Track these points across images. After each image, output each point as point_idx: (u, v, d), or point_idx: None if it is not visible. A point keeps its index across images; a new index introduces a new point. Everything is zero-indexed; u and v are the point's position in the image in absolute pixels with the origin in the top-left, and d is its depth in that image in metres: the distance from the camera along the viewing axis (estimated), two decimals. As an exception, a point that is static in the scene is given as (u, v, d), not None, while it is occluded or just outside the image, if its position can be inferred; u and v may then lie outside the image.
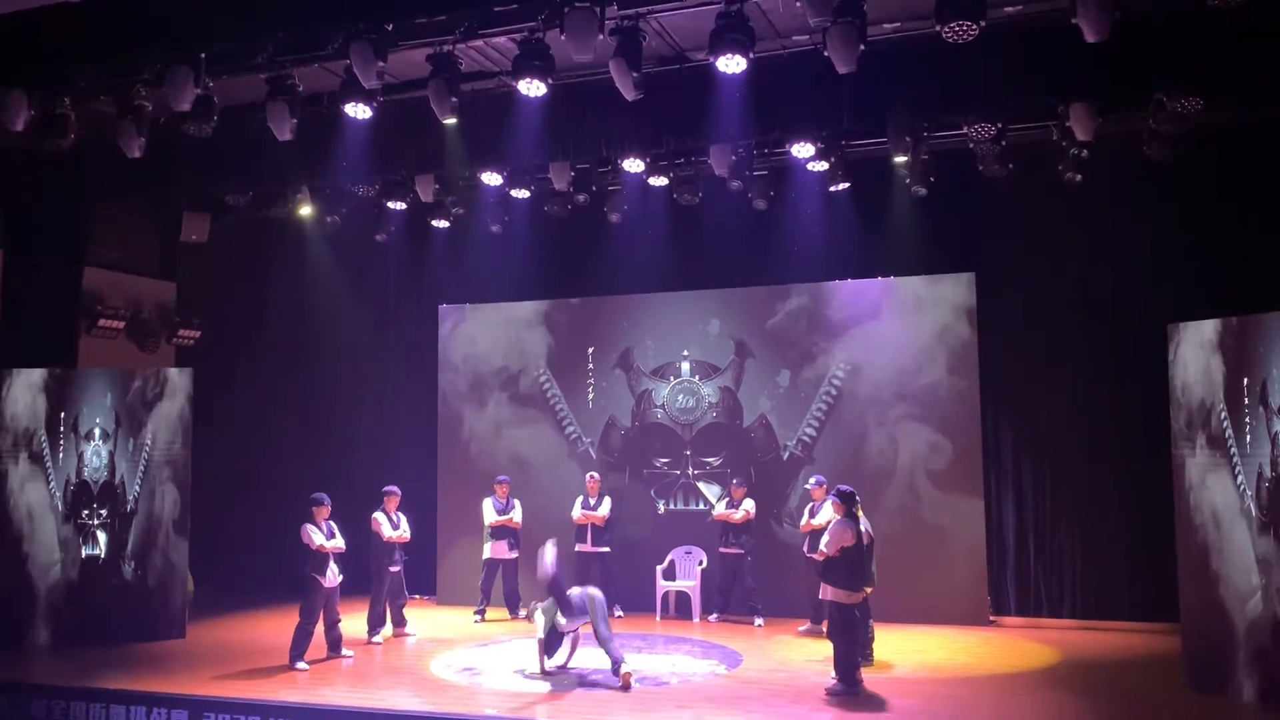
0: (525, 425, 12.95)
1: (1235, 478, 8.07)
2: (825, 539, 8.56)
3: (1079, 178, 10.29)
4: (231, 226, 13.41)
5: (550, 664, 9.08)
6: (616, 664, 8.61)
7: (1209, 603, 8.22)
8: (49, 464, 10.83)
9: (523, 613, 11.74)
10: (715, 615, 11.50)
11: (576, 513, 11.75)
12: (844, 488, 8.67)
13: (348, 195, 12.04)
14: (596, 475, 11.91)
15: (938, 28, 7.32)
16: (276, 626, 10.70)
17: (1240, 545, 8.03)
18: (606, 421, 12.66)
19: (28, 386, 10.83)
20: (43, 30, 8.51)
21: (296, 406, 14.16)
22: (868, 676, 8.53)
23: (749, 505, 11.33)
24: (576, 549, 11.72)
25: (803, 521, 10.75)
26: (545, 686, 8.66)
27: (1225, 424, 8.16)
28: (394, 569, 10.62)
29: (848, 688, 8.21)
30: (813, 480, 10.77)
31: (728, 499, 11.54)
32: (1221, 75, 8.38)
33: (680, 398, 12.46)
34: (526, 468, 12.77)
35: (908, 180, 10.78)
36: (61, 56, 8.61)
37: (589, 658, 9.52)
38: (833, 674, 8.36)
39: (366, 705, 7.89)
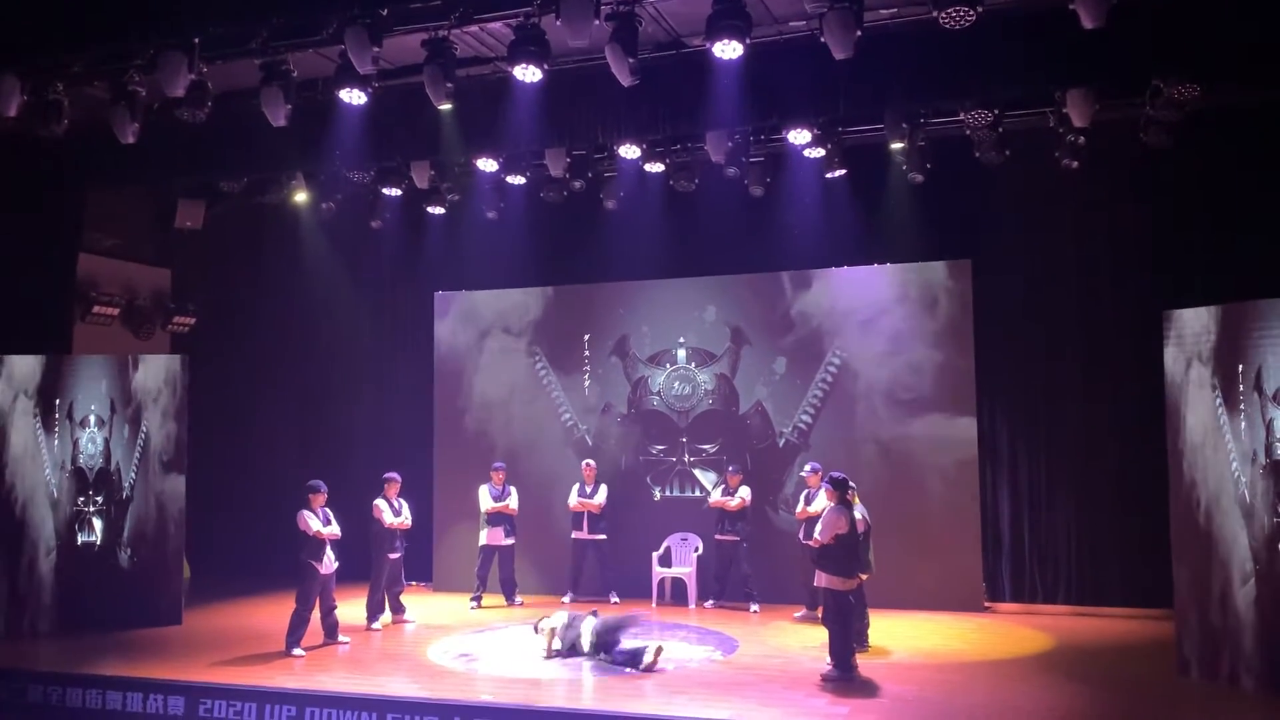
0: (521, 412, 12.95)
1: (1230, 463, 8.09)
2: (819, 527, 8.58)
3: (1076, 164, 10.28)
4: (226, 213, 13.37)
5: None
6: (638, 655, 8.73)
7: (1203, 589, 8.25)
8: (44, 451, 10.81)
9: (520, 598, 11.78)
10: (711, 602, 11.53)
11: (573, 500, 11.76)
12: (836, 475, 8.69)
13: (343, 181, 12.00)
14: (593, 462, 11.92)
15: (935, 13, 7.30)
16: (273, 613, 10.71)
17: (1234, 532, 8.05)
18: (603, 408, 12.66)
19: (22, 372, 10.80)
20: (35, 15, 8.46)
21: (292, 393, 14.16)
22: (863, 662, 8.56)
23: (745, 492, 11.34)
24: (573, 536, 11.75)
25: (798, 508, 10.76)
26: (541, 673, 8.68)
27: (1220, 410, 8.17)
28: (394, 556, 10.62)
29: (843, 673, 8.24)
30: (808, 467, 10.79)
31: (724, 486, 11.55)
32: (1219, 61, 8.35)
33: (676, 385, 12.45)
34: (522, 454, 12.76)
35: (904, 167, 10.77)
36: (54, 42, 8.55)
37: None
38: (828, 660, 8.39)
39: (363, 691, 7.90)
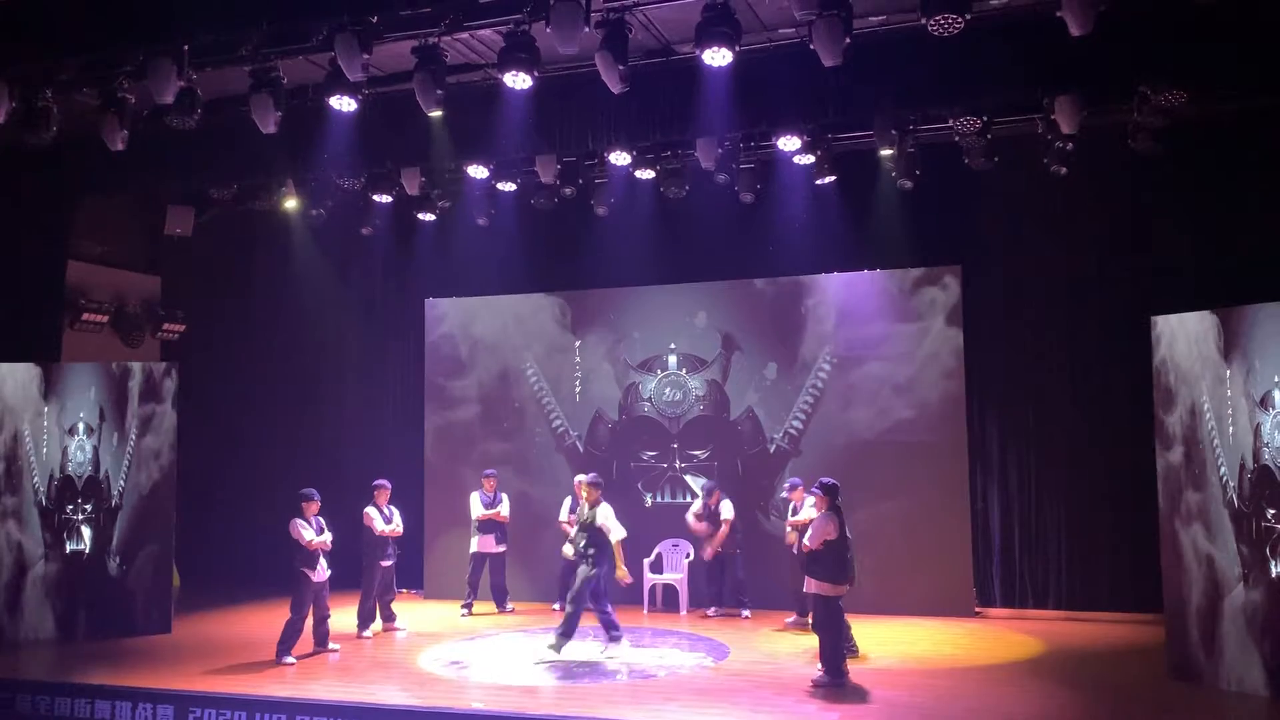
0: (512, 418, 12.94)
1: (1218, 469, 8.12)
2: (809, 533, 8.59)
3: (1064, 170, 10.32)
4: (216, 220, 13.34)
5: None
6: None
7: (1192, 592, 8.28)
8: (33, 459, 10.77)
9: (511, 605, 11.75)
10: (714, 610, 11.34)
11: (564, 515, 11.56)
12: (826, 480, 8.68)
13: (333, 188, 11.98)
14: (584, 478, 11.50)
15: (923, 20, 7.33)
16: (262, 621, 10.67)
17: (1223, 536, 8.08)
18: (593, 415, 12.65)
19: (15, 380, 10.76)
20: (24, 21, 8.44)
21: (282, 400, 14.12)
22: (854, 668, 8.58)
23: (727, 511, 11.16)
24: (564, 552, 11.56)
25: (788, 518, 10.71)
26: (532, 680, 8.67)
27: (1208, 415, 8.21)
28: (386, 564, 10.58)
29: (833, 679, 8.25)
30: (788, 485, 10.72)
31: (704, 507, 11.30)
32: (1205, 69, 8.40)
33: (667, 391, 12.46)
34: (513, 461, 12.75)
35: (894, 173, 10.80)
36: (43, 49, 8.54)
37: (579, 650, 9.54)
38: (819, 666, 8.39)
39: (354, 699, 7.88)
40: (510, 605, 11.82)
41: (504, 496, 11.78)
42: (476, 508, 11.68)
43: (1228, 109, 9.99)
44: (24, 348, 11.17)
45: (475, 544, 11.71)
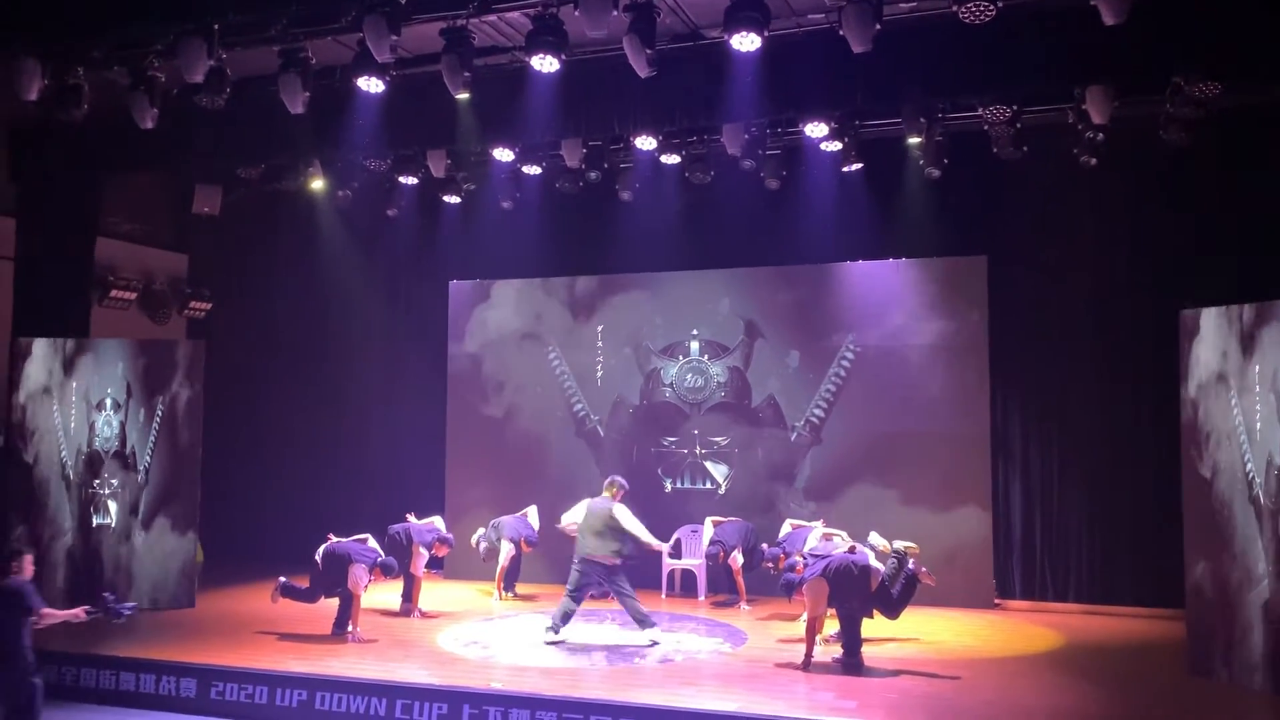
0: (534, 402, 12.97)
1: (1244, 464, 8.05)
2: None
3: (1094, 161, 10.22)
4: (243, 199, 13.40)
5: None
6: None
7: (1214, 589, 8.22)
8: (60, 433, 10.89)
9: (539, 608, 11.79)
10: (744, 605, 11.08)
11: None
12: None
13: (359, 169, 12.01)
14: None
15: (954, 8, 7.27)
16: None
17: (1248, 532, 8.01)
18: (615, 399, 12.67)
19: (43, 356, 10.88)
20: (56, -1, 8.52)
21: (306, 378, 14.20)
22: (871, 656, 8.60)
23: (737, 561, 11.00)
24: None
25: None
26: (552, 661, 8.72)
27: (1236, 411, 8.13)
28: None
29: (850, 659, 8.42)
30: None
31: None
32: (1239, 59, 8.29)
33: (689, 377, 12.46)
34: (533, 445, 12.80)
35: (921, 162, 10.72)
36: (75, 26, 8.60)
37: (591, 633, 9.58)
38: (839, 647, 8.57)
39: (374, 677, 7.96)
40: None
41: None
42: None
43: (1261, 100, 9.85)
44: (53, 324, 11.28)
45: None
